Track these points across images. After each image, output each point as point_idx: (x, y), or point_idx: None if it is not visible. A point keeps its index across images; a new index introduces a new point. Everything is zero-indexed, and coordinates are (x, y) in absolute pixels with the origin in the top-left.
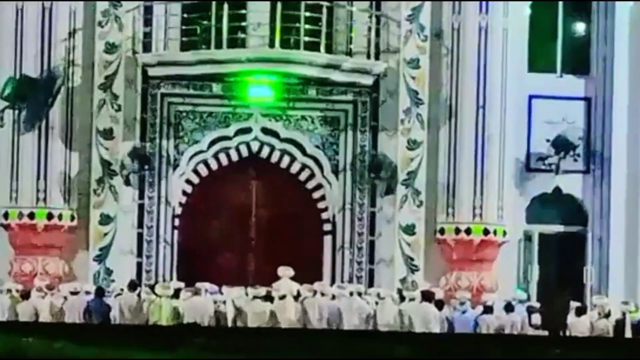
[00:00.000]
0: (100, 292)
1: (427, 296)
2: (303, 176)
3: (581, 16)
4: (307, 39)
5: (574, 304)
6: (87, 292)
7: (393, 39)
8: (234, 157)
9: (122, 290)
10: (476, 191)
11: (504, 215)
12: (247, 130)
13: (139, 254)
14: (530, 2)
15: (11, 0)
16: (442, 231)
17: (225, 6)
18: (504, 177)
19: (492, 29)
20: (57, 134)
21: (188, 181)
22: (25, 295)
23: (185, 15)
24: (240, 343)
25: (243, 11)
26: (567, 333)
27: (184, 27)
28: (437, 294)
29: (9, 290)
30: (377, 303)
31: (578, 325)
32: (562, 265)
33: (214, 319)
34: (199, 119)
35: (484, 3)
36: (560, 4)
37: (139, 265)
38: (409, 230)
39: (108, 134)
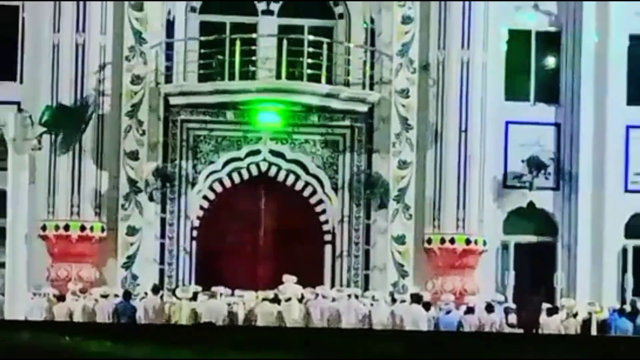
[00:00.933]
0: (127, 296)
1: (416, 298)
2: (306, 192)
3: (552, 51)
4: (309, 71)
5: (546, 305)
6: (116, 295)
7: (386, 72)
8: (245, 175)
9: (146, 293)
10: (459, 205)
11: (484, 226)
12: (257, 152)
13: (162, 262)
14: (506, 39)
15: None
16: (429, 241)
17: (238, 43)
18: (484, 193)
19: (472, 62)
20: (89, 155)
21: (205, 197)
22: (61, 298)
23: (202, 51)
24: (251, 340)
25: (253, 47)
26: (540, 331)
27: (201, 61)
28: (424, 296)
29: (47, 294)
30: (372, 304)
31: (549, 324)
32: (535, 271)
33: (228, 319)
34: (214, 142)
35: (465, 39)
36: (533, 40)
37: (162, 272)
38: (400, 240)
39: (134, 155)
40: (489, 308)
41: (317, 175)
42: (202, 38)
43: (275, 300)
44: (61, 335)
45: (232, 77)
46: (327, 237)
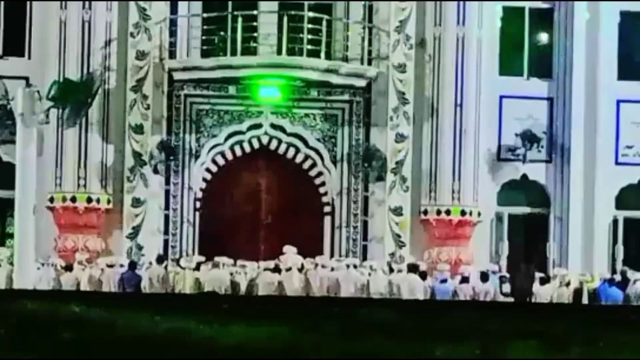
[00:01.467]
0: (132, 265)
1: (413, 268)
2: (306, 165)
3: (545, 28)
4: (309, 47)
5: (539, 275)
6: (121, 265)
7: (383, 47)
8: (247, 149)
9: (151, 263)
10: (454, 178)
11: (479, 198)
12: (258, 126)
13: (166, 232)
14: (501, 15)
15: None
16: (425, 212)
17: (240, 19)
18: (479, 165)
19: (468, 38)
20: (95, 129)
21: (207, 170)
22: (68, 268)
23: (205, 27)
24: (252, 309)
25: (254, 23)
26: (533, 300)
27: (204, 37)
28: (421, 266)
29: (54, 264)
30: (370, 274)
31: (542, 293)
32: (528, 242)
33: (230, 288)
34: (217, 116)
35: (461, 16)
36: (527, 17)
37: (166, 242)
38: (397, 211)
39: (139, 129)
40: (484, 277)
41: (316, 149)
42: (205, 15)
43: (276, 270)
44: (68, 303)
45: (234, 53)
46: (327, 209)
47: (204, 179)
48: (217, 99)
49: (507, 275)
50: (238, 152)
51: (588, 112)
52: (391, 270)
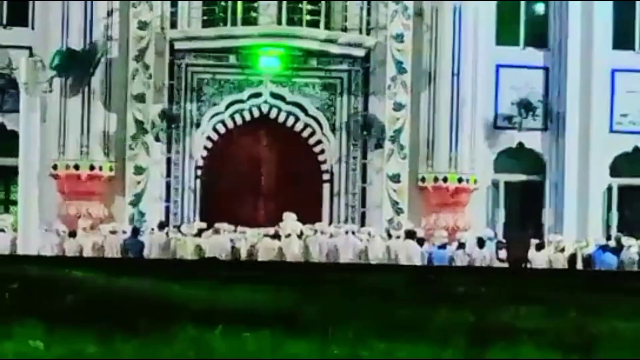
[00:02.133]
0: (135, 232)
1: (410, 234)
2: (305, 133)
3: None
4: (308, 17)
5: (534, 241)
6: (124, 232)
7: (382, 18)
8: (247, 117)
9: (152, 230)
10: (452, 146)
11: (475, 166)
12: (259, 95)
13: (167, 199)
14: None
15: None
16: (422, 179)
17: None
18: (475, 133)
19: (465, 9)
20: (97, 98)
21: (208, 138)
22: (71, 234)
23: None
24: (253, 274)
25: None
26: (529, 265)
27: (205, 8)
28: (418, 232)
29: (58, 230)
30: (368, 240)
31: (537, 259)
32: (524, 208)
33: (231, 254)
34: (217, 85)
35: None
36: None
37: (167, 209)
38: (395, 178)
39: (141, 98)
40: (480, 243)
41: (316, 117)
42: None
43: (276, 236)
44: (71, 269)
45: (234, 23)
46: (326, 176)
47: (205, 147)
48: (218, 68)
49: (503, 241)
50: (238, 121)
51: (583, 81)
52: (389, 236)
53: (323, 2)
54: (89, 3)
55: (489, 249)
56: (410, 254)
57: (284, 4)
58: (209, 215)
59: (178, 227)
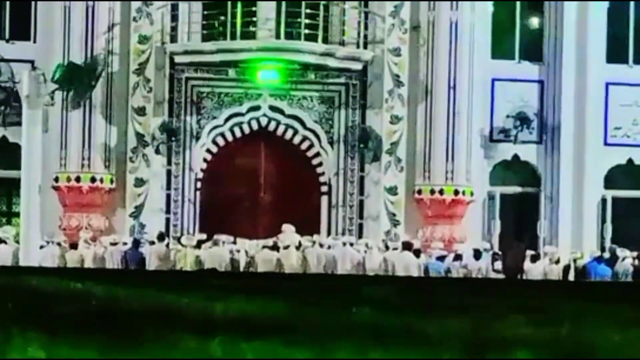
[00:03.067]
0: (136, 243)
1: (407, 246)
2: (304, 146)
3: (536, 13)
4: (307, 31)
5: (530, 253)
6: (125, 243)
7: (379, 32)
8: (246, 130)
9: (153, 242)
10: (448, 158)
11: (471, 178)
12: (257, 108)
13: (167, 211)
14: (493, 1)
15: (60, 0)
16: (419, 191)
17: (239, 4)
18: (471, 146)
19: (461, 23)
20: (99, 111)
21: (208, 150)
22: (73, 245)
23: (205, 12)
24: (251, 285)
25: (254, 8)
26: (524, 277)
27: (204, 22)
28: (415, 244)
29: (59, 242)
30: (365, 252)
31: (533, 270)
32: (520, 220)
33: (230, 265)
34: (217, 98)
35: (454, 1)
36: (518, 2)
37: (167, 221)
38: (392, 191)
39: (141, 111)
40: (476, 255)
41: (314, 130)
42: (206, 0)
43: (275, 247)
44: (73, 280)
45: (233, 37)
46: (324, 189)
47: (205, 160)
48: (217, 82)
49: (499, 252)
50: (237, 134)
51: (578, 95)
52: (386, 247)
53: (321, 16)
54: (90, 17)
55: (484, 260)
56: (407, 265)
57: (283, 18)
58: (209, 227)
59: (178, 239)
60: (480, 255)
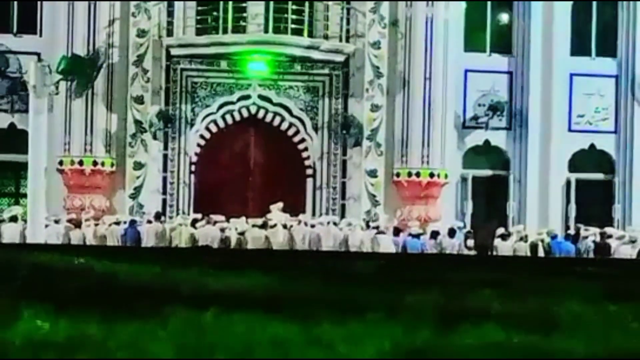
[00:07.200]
0: (133, 222)
1: (397, 232)
2: (290, 132)
3: (505, 9)
4: (293, 26)
5: (499, 231)
6: (124, 222)
7: (360, 26)
8: (237, 117)
9: (150, 221)
10: (424, 143)
11: (446, 162)
12: (247, 97)
13: (164, 193)
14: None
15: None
16: (397, 174)
17: (230, 1)
18: (446, 132)
19: (436, 18)
20: (100, 99)
21: (201, 136)
22: (77, 224)
23: (199, 8)
24: (242, 261)
25: (244, 5)
26: (494, 253)
27: (198, 17)
28: (395, 224)
29: (64, 221)
30: (350, 230)
31: (502, 247)
32: (490, 201)
33: (222, 243)
34: (210, 88)
35: None
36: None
37: (164, 201)
38: (372, 173)
39: (140, 99)
40: (451, 233)
41: (300, 117)
42: None
43: (263, 226)
44: (76, 256)
45: (225, 31)
46: (309, 172)
47: (199, 145)
48: (210, 73)
49: (471, 230)
50: (229, 121)
51: (544, 85)
52: (367, 226)
53: (306, 12)
54: (92, 13)
55: (458, 238)
56: (386, 243)
57: (271, 13)
58: (202, 207)
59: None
60: (454, 234)
